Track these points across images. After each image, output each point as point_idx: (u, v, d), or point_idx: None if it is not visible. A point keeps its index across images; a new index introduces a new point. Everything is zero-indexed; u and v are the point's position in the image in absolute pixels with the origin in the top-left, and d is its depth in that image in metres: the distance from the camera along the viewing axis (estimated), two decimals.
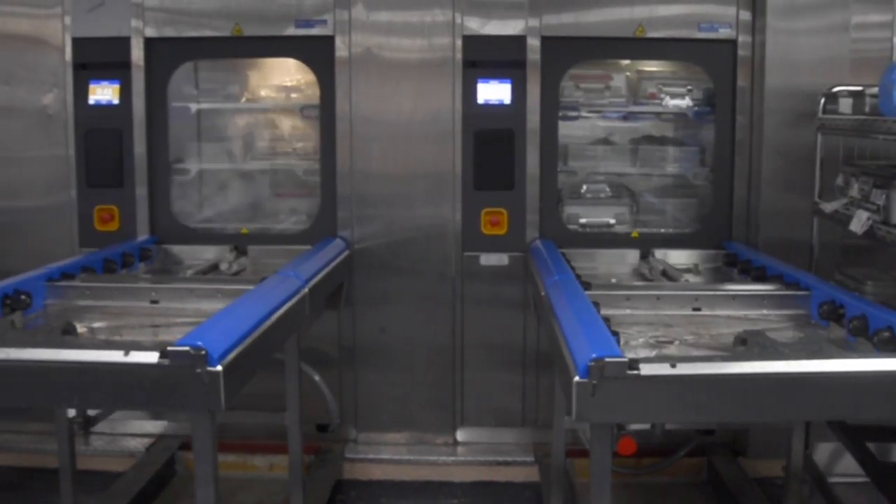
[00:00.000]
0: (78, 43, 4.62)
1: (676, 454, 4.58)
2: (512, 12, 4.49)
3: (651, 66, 4.82)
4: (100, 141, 4.64)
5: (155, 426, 4.86)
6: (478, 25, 4.50)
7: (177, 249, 4.62)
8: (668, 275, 4.05)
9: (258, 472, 4.67)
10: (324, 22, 4.51)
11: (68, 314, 3.40)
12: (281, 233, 4.76)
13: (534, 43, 4.50)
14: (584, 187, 4.75)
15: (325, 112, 4.58)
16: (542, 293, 3.52)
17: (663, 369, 2.41)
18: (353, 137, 4.55)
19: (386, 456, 4.67)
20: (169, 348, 2.44)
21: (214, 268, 4.21)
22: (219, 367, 2.45)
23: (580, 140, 4.85)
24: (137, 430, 4.88)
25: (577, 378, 2.39)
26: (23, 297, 3.37)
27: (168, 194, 4.70)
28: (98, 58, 4.63)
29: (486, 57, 4.50)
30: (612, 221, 4.72)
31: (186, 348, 2.42)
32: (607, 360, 2.37)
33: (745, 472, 4.47)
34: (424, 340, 4.67)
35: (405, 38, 4.52)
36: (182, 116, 4.79)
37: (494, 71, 4.51)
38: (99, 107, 4.65)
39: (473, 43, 4.49)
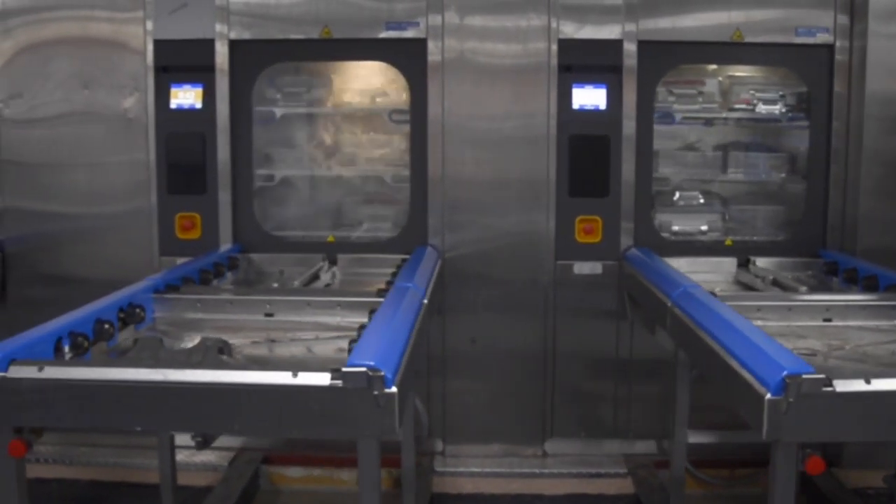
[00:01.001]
0: (160, 45, 4.50)
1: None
2: (608, 16, 4.40)
3: (742, 71, 4.73)
4: (182, 146, 4.52)
5: (233, 439, 4.73)
6: (573, 29, 4.41)
7: (262, 258, 4.50)
8: (781, 284, 3.96)
9: (347, 486, 4.55)
10: (416, 24, 4.40)
11: (180, 328, 3.28)
12: (368, 241, 4.64)
13: (630, 47, 4.41)
14: (677, 194, 4.66)
15: (416, 117, 4.47)
16: (669, 304, 3.42)
17: (858, 385, 2.33)
18: (446, 143, 4.45)
19: (475, 469, 4.57)
20: (344, 369, 2.32)
21: (316, 278, 4.08)
22: (394, 389, 2.34)
23: (670, 146, 4.75)
24: (216, 443, 4.74)
25: (769, 395, 2.30)
26: (137, 310, 3.25)
27: (251, 201, 4.58)
28: (180, 61, 4.51)
29: (581, 61, 4.40)
30: (705, 229, 4.63)
31: (363, 369, 2.31)
32: (804, 376, 2.28)
33: (842, 483, 4.39)
34: (515, 350, 4.57)
35: (500, 42, 4.42)
36: (265, 121, 4.65)
37: (590, 76, 4.42)
38: (181, 111, 4.53)
39: (569, 47, 4.40)
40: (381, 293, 3.44)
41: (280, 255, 4.50)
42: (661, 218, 4.63)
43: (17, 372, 2.42)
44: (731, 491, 4.54)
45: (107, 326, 2.99)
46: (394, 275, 3.91)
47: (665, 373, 4.45)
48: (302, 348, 3.08)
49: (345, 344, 2.89)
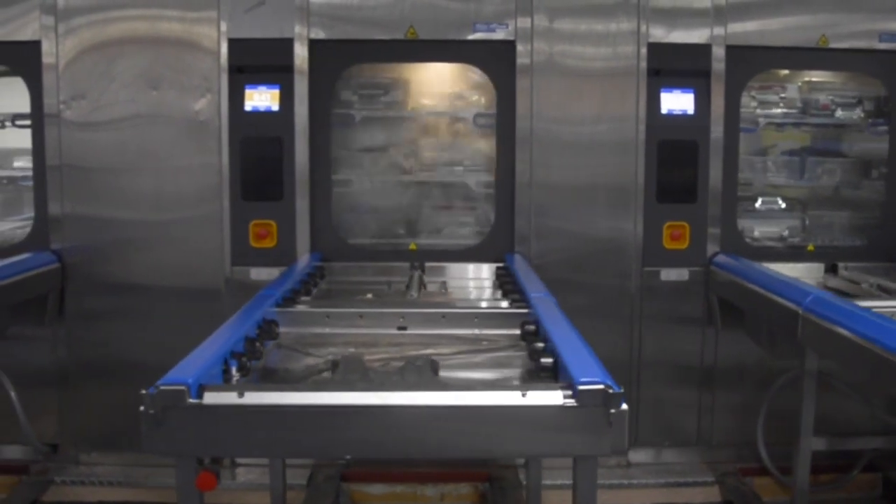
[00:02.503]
0: (234, 45, 4.30)
1: (852, 471, 4.51)
2: (697, 20, 4.36)
3: (820, 77, 4.74)
4: (258, 150, 4.33)
5: None
6: (663, 33, 4.35)
7: (343, 267, 4.33)
8: (887, 290, 3.97)
9: (430, 502, 4.42)
10: (505, 26, 4.30)
11: (309, 342, 3.12)
12: (452, 249, 4.52)
13: (718, 52, 4.37)
14: (759, 200, 4.64)
15: (503, 121, 4.36)
16: (800, 311, 3.39)
17: None
18: (534, 148, 4.34)
19: (560, 481, 4.47)
20: (581, 388, 2.21)
21: (423, 287, 3.94)
22: (625, 407, 2.24)
23: (749, 151, 4.74)
24: None
25: None
26: (272, 326, 3.08)
27: (329, 208, 4.42)
28: (256, 61, 4.32)
29: (670, 66, 4.35)
30: (786, 234, 4.62)
31: (600, 387, 2.20)
32: None
33: None
34: (601, 358, 4.46)
35: (589, 45, 4.34)
36: (343, 124, 4.49)
37: (678, 80, 4.37)
38: (256, 113, 4.34)
39: (658, 51, 4.35)
40: (515, 304, 3.33)
41: (362, 264, 4.34)
42: (741, 223, 4.61)
43: (213, 399, 2.24)
44: (817, 497, 4.53)
45: (258, 345, 2.81)
46: (503, 284, 3.80)
47: (751, 379, 4.45)
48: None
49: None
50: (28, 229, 4.87)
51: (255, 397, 2.24)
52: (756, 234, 4.63)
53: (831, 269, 4.42)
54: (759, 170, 4.70)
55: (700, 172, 4.40)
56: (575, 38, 4.33)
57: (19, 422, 4.29)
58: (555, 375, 2.58)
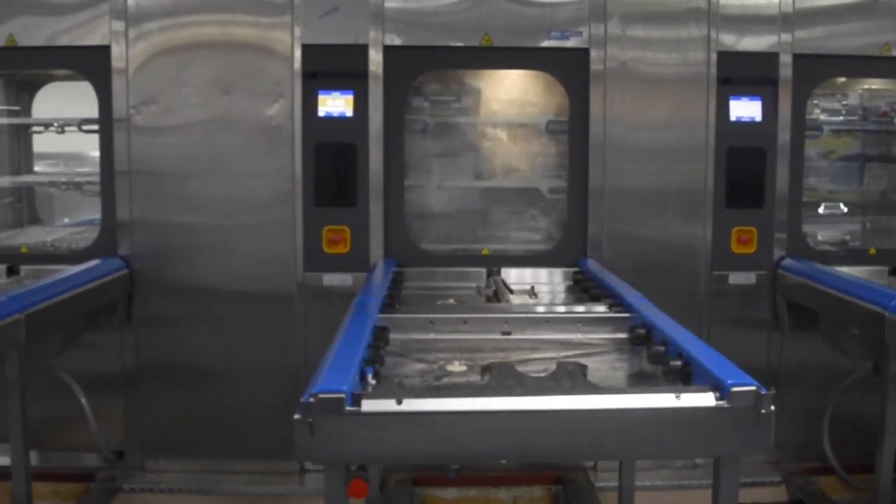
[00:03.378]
0: (308, 50, 4.30)
1: None
2: (765, 27, 4.41)
3: (879, 84, 4.81)
4: (331, 156, 4.33)
5: None
6: (733, 41, 4.40)
7: (418, 273, 4.33)
8: None
9: None
10: (579, 34, 4.32)
11: (415, 348, 3.13)
12: (525, 254, 4.53)
13: (785, 59, 4.42)
14: (823, 205, 4.70)
15: (576, 127, 4.39)
16: (886, 314, 3.43)
17: None
18: (606, 154, 4.37)
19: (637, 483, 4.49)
20: (734, 389, 2.24)
21: (510, 292, 3.95)
22: (773, 407, 2.27)
23: (809, 156, 4.79)
24: None
25: None
26: (385, 332, 3.08)
27: (402, 214, 4.42)
28: (330, 66, 4.32)
29: (738, 73, 4.40)
30: (848, 238, 4.69)
31: (752, 389, 2.23)
32: None
33: None
34: None
35: (660, 52, 4.38)
36: (414, 130, 4.50)
37: (746, 88, 4.42)
38: (330, 119, 4.34)
39: (727, 59, 4.39)
40: (613, 308, 3.36)
41: (438, 269, 4.34)
42: (804, 228, 4.66)
43: (371, 406, 2.24)
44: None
45: (381, 352, 2.81)
46: (588, 289, 3.83)
47: (814, 380, 4.51)
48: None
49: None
50: (85, 234, 4.88)
51: (413, 404, 2.24)
52: (819, 237, 4.67)
53: (894, 272, 4.48)
54: (820, 175, 4.75)
55: (767, 178, 4.44)
56: (647, 45, 4.37)
57: (89, 428, 4.29)
58: (683, 378, 2.59)
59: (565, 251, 4.44)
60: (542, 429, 2.24)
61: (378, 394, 2.29)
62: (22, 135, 5.24)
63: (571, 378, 2.48)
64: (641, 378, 2.79)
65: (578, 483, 4.45)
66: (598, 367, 2.93)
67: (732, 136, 4.42)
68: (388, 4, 4.29)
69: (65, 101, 4.97)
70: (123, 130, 4.35)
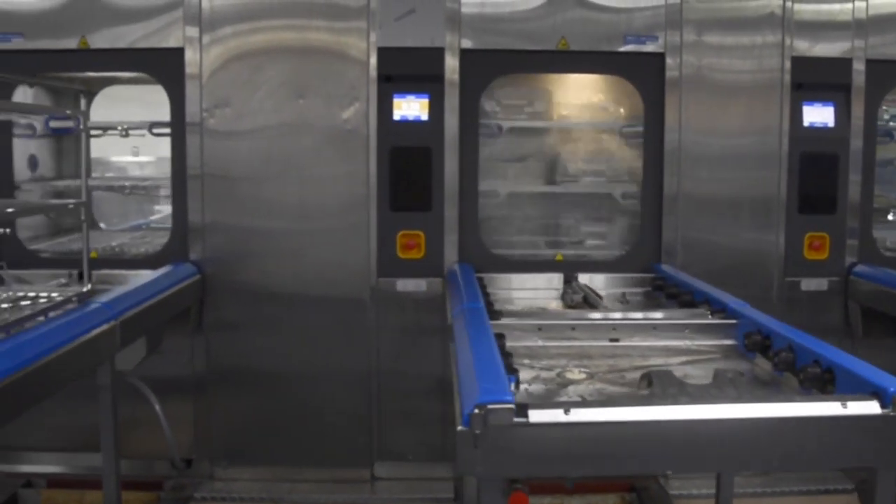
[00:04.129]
0: (383, 53, 4.26)
1: None
2: (839, 33, 4.42)
3: None
4: (407, 160, 4.29)
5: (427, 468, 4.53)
6: (807, 46, 4.41)
7: (494, 278, 4.31)
8: None
9: None
10: (655, 39, 4.32)
11: (524, 354, 3.10)
12: (597, 259, 4.52)
13: (858, 65, 4.44)
14: (892, 212, 4.72)
15: (650, 133, 4.38)
16: None
17: None
18: (681, 160, 4.37)
19: (699, 490, 4.48)
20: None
21: (585, 297, 3.94)
22: None
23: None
24: (418, 473, 4.54)
25: None
26: (503, 339, 3.05)
27: (476, 219, 4.40)
28: (405, 70, 4.29)
29: (812, 79, 4.41)
30: None
31: None
32: None
33: None
34: None
35: (735, 58, 4.38)
36: (488, 135, 4.47)
37: (819, 94, 4.43)
38: (405, 123, 4.31)
39: (801, 64, 4.40)
40: (715, 314, 3.35)
41: (513, 275, 4.32)
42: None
43: (539, 417, 2.20)
44: None
45: (510, 360, 2.79)
46: (674, 295, 3.82)
47: None
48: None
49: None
50: (146, 238, 4.82)
51: (581, 414, 2.21)
52: (888, 243, 4.69)
53: None
54: (887, 181, 4.77)
55: (840, 184, 4.45)
56: (722, 51, 4.37)
57: (160, 435, 4.23)
58: (821, 385, 2.58)
59: (638, 257, 4.43)
60: (710, 438, 2.22)
61: (544, 404, 2.26)
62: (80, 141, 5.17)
63: (734, 386, 2.45)
64: (770, 386, 2.78)
65: (652, 491, 4.43)
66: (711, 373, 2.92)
67: (805, 142, 4.42)
68: (464, 9, 4.25)
69: (117, 108, 4.91)
70: (196, 134, 4.30)
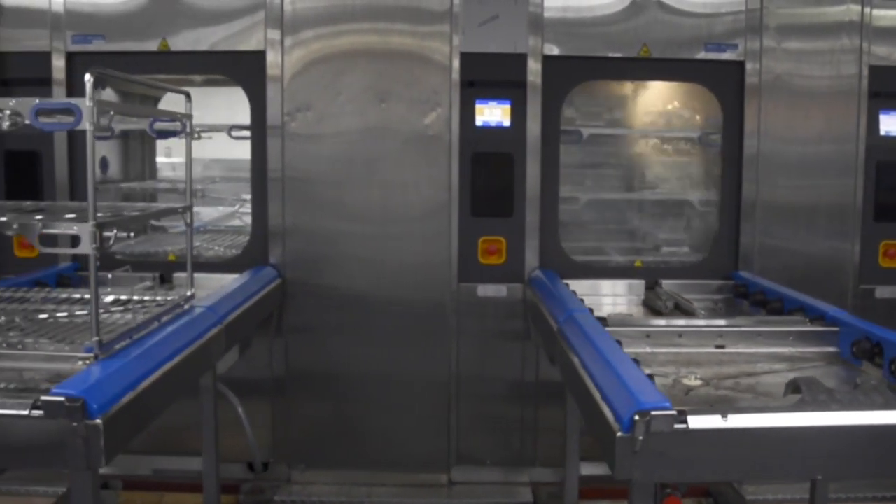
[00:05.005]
0: (466, 59, 4.28)
1: None
2: None
3: None
4: (489, 165, 4.31)
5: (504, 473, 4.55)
6: (885, 53, 4.42)
7: (580, 285, 4.28)
8: None
9: None
10: (734, 47, 4.34)
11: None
12: (675, 265, 4.54)
13: None
14: None
15: (729, 140, 4.40)
16: None
17: None
18: (760, 167, 4.39)
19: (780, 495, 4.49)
20: None
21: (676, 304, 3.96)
22: None
23: None
24: (494, 478, 4.56)
25: None
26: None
27: (557, 225, 4.41)
28: (488, 75, 4.30)
29: (889, 87, 4.43)
30: None
31: None
32: None
33: None
34: None
35: (815, 65, 4.40)
36: (568, 141, 4.48)
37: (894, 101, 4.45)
38: (487, 128, 4.32)
39: (879, 72, 4.42)
40: (814, 322, 3.37)
41: (591, 281, 4.33)
42: None
43: (698, 423, 2.22)
44: None
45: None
46: (762, 303, 3.84)
47: None
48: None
49: None
50: (217, 241, 4.83)
51: (739, 420, 2.23)
52: None
53: None
54: None
55: None
56: (801, 57, 4.38)
57: (240, 438, 4.24)
58: None
59: (715, 263, 4.45)
60: (867, 443, 2.24)
61: (701, 410, 2.27)
62: (147, 142, 5.18)
63: (880, 393, 2.47)
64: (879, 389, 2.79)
65: (729, 496, 4.44)
66: (826, 381, 2.93)
67: (881, 151, 4.45)
68: (547, 13, 4.27)
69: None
70: (277, 137, 4.30)
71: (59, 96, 4.27)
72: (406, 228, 4.36)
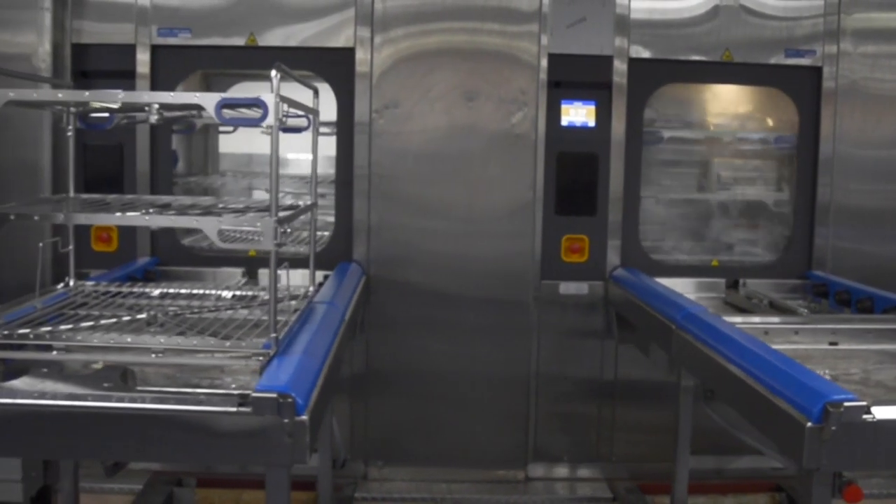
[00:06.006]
0: (554, 59, 4.33)
1: None
2: None
3: None
4: (574, 166, 4.36)
5: (579, 469, 4.61)
6: None
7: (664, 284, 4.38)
8: None
9: None
10: (812, 52, 4.44)
11: None
12: (749, 265, 4.63)
13: None
14: None
15: (804, 144, 4.51)
16: None
17: None
18: (835, 171, 4.49)
19: None
20: None
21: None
22: None
23: None
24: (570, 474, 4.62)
25: None
26: None
27: (637, 224, 4.48)
28: (574, 76, 4.36)
29: None
30: None
31: None
32: None
33: None
34: None
35: (887, 71, 4.51)
36: (648, 142, 4.56)
37: None
38: (572, 128, 4.38)
39: None
40: None
41: (673, 279, 4.40)
42: None
43: (883, 414, 2.29)
44: None
45: None
46: (844, 302, 3.95)
47: None
48: None
49: None
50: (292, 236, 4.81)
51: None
52: None
53: None
54: None
55: None
56: (877, 62, 4.48)
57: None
58: None
59: (789, 264, 4.55)
60: None
61: (885, 401, 2.34)
62: (211, 136, 5.15)
63: None
64: None
65: (799, 491, 4.54)
66: None
67: None
68: (633, 16, 4.33)
69: None
70: (364, 134, 4.31)
71: (142, 89, 4.25)
72: (490, 226, 4.39)
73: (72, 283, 3.40)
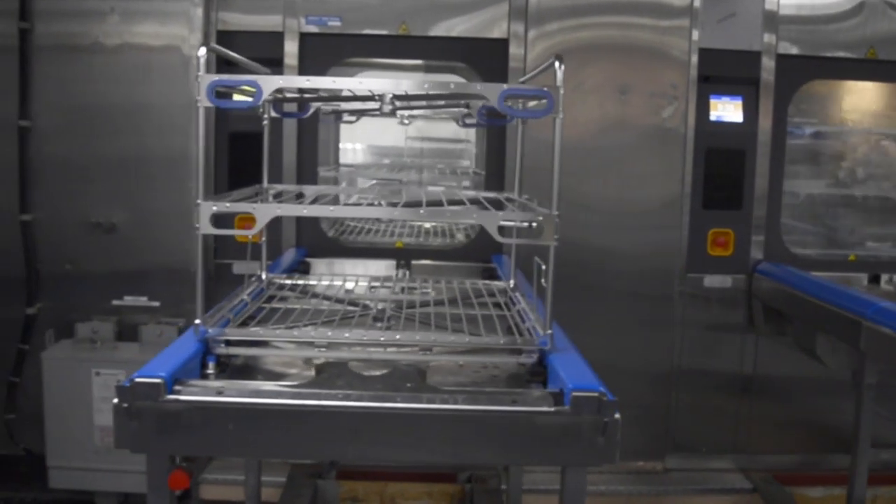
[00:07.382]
0: (704, 54, 4.34)
1: None
2: None
3: None
4: (722, 160, 4.39)
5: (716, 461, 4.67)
6: None
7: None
8: None
9: None
10: None
11: None
12: (887, 260, 4.69)
13: None
14: None
15: None
16: None
17: None
18: None
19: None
20: None
21: None
22: None
23: None
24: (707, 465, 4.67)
25: None
26: None
27: (779, 219, 4.52)
28: (723, 71, 4.39)
29: None
30: None
31: None
32: None
33: None
34: None
35: None
36: (791, 137, 4.60)
37: None
38: (720, 123, 4.41)
39: None
40: None
41: (819, 273, 4.44)
42: None
43: None
44: None
45: None
46: None
47: None
48: None
49: None
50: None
51: None
52: None
53: None
54: None
55: None
56: None
57: None
58: None
59: None
60: None
61: None
62: (332, 127, 5.12)
63: None
64: None
65: (773, 492, 4.60)
66: None
67: None
68: (782, 11, 4.36)
69: None
70: (515, 127, 4.30)
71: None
72: (639, 220, 4.41)
73: (264, 276, 3.40)
